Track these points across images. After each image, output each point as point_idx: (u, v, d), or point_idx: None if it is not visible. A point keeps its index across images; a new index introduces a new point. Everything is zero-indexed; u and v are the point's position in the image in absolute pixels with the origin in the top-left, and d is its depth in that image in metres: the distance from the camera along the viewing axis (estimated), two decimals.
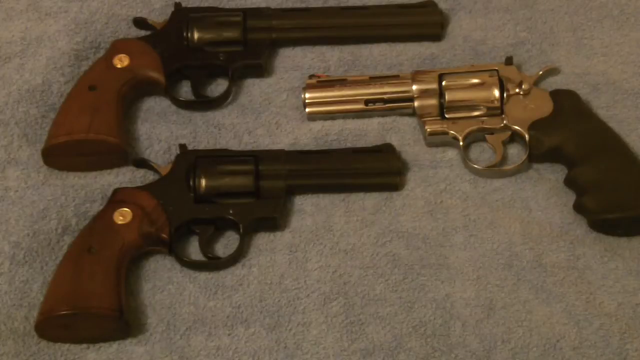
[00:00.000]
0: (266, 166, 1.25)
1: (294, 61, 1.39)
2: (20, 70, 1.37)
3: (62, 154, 1.27)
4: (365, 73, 1.37)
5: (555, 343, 1.18)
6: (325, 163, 1.27)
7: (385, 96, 1.32)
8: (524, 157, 1.28)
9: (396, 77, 1.33)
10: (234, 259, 1.23)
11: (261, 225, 1.25)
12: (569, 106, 1.29)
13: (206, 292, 1.22)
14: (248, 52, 1.36)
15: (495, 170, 1.29)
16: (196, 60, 1.35)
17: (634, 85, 1.35)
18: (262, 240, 1.25)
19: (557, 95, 1.30)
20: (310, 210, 1.27)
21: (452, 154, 1.31)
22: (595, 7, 1.42)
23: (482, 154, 1.31)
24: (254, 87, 1.37)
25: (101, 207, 1.24)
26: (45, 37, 1.40)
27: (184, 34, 1.35)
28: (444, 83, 1.31)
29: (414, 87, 1.31)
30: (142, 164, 1.28)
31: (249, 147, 1.32)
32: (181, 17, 1.36)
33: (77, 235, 1.22)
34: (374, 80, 1.33)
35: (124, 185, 1.27)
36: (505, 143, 1.30)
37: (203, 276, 1.23)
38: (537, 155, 1.28)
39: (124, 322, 1.16)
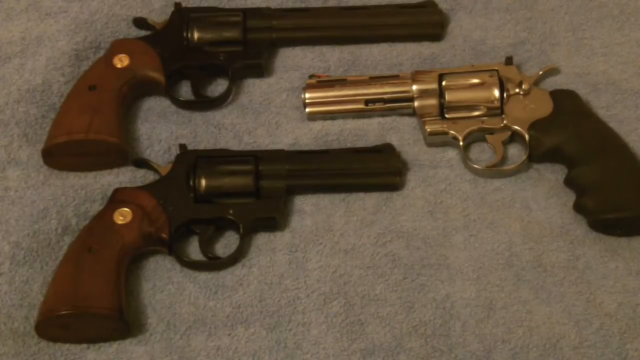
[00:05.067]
0: (266, 166, 1.25)
1: (294, 61, 1.39)
2: (20, 70, 1.37)
3: (62, 154, 1.27)
4: (365, 73, 1.37)
5: (555, 343, 1.18)
6: (325, 163, 1.27)
7: (385, 96, 1.32)
8: (524, 157, 1.28)
9: (396, 77, 1.33)
10: (234, 259, 1.23)
11: (261, 225, 1.25)
12: (569, 106, 1.29)
13: (206, 292, 1.22)
14: (248, 52, 1.36)
15: (495, 170, 1.29)
16: (196, 60, 1.35)
17: (634, 85, 1.35)
18: (262, 240, 1.25)
19: (557, 95, 1.30)
20: (310, 210, 1.27)
21: (452, 154, 1.31)
22: (595, 7, 1.42)
23: (482, 154, 1.31)
24: (254, 87, 1.37)
25: (101, 207, 1.24)
26: (45, 37, 1.39)
27: (184, 34, 1.35)
28: (444, 83, 1.31)
29: (414, 87, 1.31)
30: (142, 164, 1.28)
31: (249, 147, 1.32)
32: (181, 17, 1.36)
33: (77, 235, 1.22)
34: (374, 80, 1.33)
35: (124, 185, 1.27)
36: (505, 143, 1.30)
37: (203, 276, 1.23)
38: (537, 155, 1.28)
39: (124, 322, 1.16)
